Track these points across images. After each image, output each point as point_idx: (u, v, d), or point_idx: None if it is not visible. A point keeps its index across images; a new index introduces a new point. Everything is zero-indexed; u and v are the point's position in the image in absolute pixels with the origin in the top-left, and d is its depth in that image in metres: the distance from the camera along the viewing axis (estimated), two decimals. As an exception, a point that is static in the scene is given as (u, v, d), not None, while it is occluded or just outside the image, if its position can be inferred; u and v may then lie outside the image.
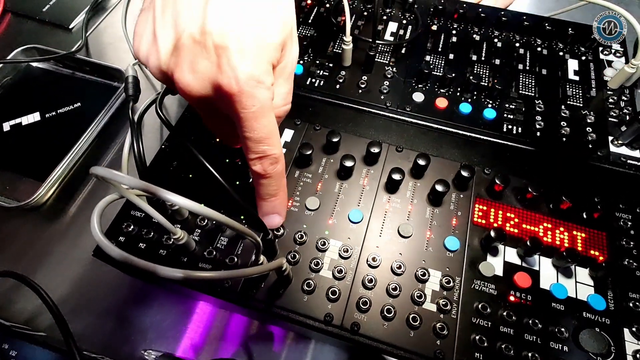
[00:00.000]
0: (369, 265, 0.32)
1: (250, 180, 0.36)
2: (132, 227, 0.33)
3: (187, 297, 0.39)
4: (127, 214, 0.34)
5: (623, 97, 0.41)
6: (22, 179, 0.44)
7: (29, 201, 0.41)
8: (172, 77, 0.25)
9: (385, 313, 0.30)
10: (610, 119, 0.40)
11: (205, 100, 0.25)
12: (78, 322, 0.34)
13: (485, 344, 0.29)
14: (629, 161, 0.37)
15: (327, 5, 0.50)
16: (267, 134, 0.26)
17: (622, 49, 0.46)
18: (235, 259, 0.32)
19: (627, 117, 0.40)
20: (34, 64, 0.53)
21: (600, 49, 0.46)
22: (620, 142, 0.38)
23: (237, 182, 0.36)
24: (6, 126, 0.47)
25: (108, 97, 0.48)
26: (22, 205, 0.41)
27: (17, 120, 0.48)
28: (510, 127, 0.39)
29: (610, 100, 0.41)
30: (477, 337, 0.29)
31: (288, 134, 0.39)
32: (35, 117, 0.48)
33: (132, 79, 0.40)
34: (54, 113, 0.49)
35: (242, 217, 0.34)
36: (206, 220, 0.34)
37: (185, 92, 0.25)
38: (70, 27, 0.58)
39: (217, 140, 0.38)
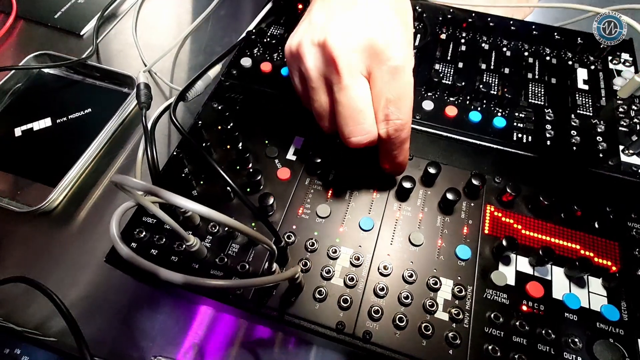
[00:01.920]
0: (380, 274, 0.32)
1: (261, 186, 0.36)
2: (144, 233, 0.33)
3: (194, 303, 0.38)
4: (139, 221, 0.34)
5: (633, 107, 0.41)
6: (33, 184, 0.44)
7: (40, 206, 0.41)
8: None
9: (397, 322, 0.30)
10: (620, 128, 0.40)
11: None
12: (88, 327, 0.34)
13: (498, 354, 0.28)
14: (640, 171, 0.37)
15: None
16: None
17: (632, 59, 0.46)
18: (247, 266, 0.32)
19: (638, 127, 0.40)
20: (45, 70, 0.54)
21: (610, 58, 0.46)
22: (631, 151, 0.38)
23: (248, 189, 0.36)
24: (18, 131, 0.48)
25: (118, 103, 0.48)
26: (33, 211, 0.41)
27: (29, 126, 0.48)
28: (520, 135, 0.39)
29: (621, 109, 0.41)
30: (490, 347, 0.29)
31: (299, 142, 0.39)
32: (46, 122, 0.49)
33: (144, 86, 0.41)
34: (65, 119, 0.49)
35: (252, 224, 0.34)
36: (217, 227, 0.34)
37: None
38: (82, 33, 0.59)
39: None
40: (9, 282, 0.33)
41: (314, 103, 0.32)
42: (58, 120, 0.49)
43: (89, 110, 0.50)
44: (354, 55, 0.29)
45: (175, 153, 0.37)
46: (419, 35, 0.48)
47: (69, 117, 0.49)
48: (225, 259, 0.32)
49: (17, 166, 0.45)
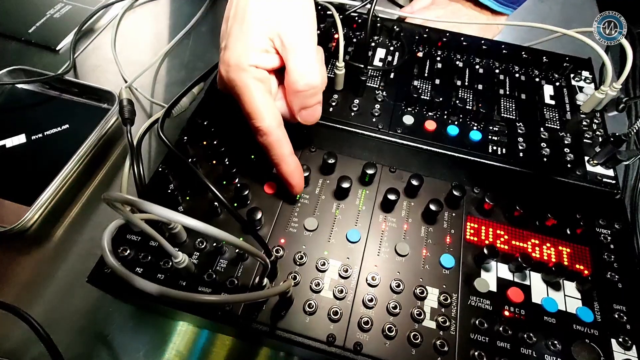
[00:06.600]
0: (369, 284, 0.32)
1: (248, 201, 0.36)
2: (128, 251, 0.33)
3: (177, 321, 0.38)
4: (123, 239, 0.33)
5: (595, 120, 0.45)
6: (5, 203, 0.42)
7: (14, 226, 0.39)
8: None
9: (386, 332, 0.30)
10: (585, 140, 0.43)
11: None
12: (68, 351, 0.33)
13: (484, 359, 0.29)
14: (604, 180, 0.40)
15: (317, 32, 0.52)
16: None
17: (591, 76, 0.49)
18: (236, 282, 0.32)
19: (600, 139, 0.43)
20: (20, 86, 0.52)
21: (572, 75, 0.49)
22: (595, 161, 0.41)
23: (236, 204, 0.36)
24: (-12, 149, 0.46)
25: (97, 119, 0.47)
26: (6, 231, 0.39)
27: (0, 143, 0.46)
28: (495, 148, 0.42)
29: (584, 123, 0.44)
30: (477, 353, 0.30)
31: (284, 155, 0.39)
32: (20, 139, 0.47)
33: (127, 102, 0.40)
34: (40, 135, 0.47)
35: (241, 238, 0.34)
36: (205, 243, 0.33)
37: None
38: (58, 48, 0.58)
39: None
40: (-17, 307, 0.32)
41: None
42: (33, 137, 0.47)
43: (67, 126, 0.48)
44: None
45: (160, 169, 0.37)
46: (397, 54, 0.50)
47: (45, 133, 0.48)
48: (214, 275, 0.32)
49: (-12, 185, 0.43)
